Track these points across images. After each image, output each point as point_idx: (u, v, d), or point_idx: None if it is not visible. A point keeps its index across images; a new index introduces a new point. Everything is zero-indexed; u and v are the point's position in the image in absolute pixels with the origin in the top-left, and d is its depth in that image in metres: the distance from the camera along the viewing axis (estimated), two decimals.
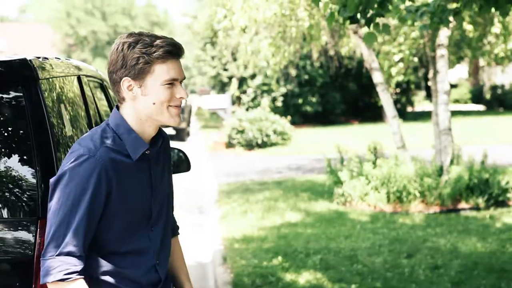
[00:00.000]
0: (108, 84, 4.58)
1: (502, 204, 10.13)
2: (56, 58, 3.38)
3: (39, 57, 3.10)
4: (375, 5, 5.18)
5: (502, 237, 8.16)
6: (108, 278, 2.60)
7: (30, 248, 2.73)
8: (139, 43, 2.49)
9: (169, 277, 2.83)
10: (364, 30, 11.40)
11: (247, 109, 26.34)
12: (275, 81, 26.25)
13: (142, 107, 2.54)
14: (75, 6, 56.27)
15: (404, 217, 9.45)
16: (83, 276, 2.48)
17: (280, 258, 7.40)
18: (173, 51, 2.51)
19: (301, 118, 28.15)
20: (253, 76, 27.74)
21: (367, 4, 5.13)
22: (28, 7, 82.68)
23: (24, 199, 2.79)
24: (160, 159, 2.72)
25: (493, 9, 5.57)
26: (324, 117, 28.91)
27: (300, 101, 27.76)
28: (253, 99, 27.67)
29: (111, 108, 4.44)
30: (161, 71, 2.49)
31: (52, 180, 2.51)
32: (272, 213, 9.92)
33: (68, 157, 2.52)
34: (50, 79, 3.07)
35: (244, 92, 28.12)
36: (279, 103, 27.18)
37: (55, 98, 3.06)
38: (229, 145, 20.53)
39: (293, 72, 26.11)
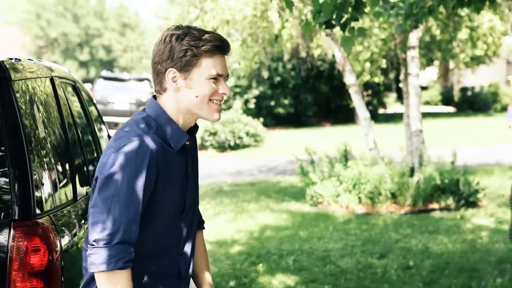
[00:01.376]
0: (81, 85, 4.55)
1: (473, 204, 10.24)
2: (28, 59, 3.36)
3: (11, 59, 3.08)
4: (350, 9, 5.20)
5: (472, 237, 8.25)
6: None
7: (4, 250, 2.72)
8: (188, 36, 2.49)
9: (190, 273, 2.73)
10: (337, 31, 11.46)
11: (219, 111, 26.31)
12: (247, 80, 26.25)
13: (184, 99, 2.53)
14: (45, 7, 55.80)
15: (376, 218, 9.52)
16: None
17: (253, 259, 7.41)
18: (221, 46, 2.52)
19: (273, 120, 28.19)
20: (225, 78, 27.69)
21: (341, 9, 5.14)
22: None
23: None
24: (194, 149, 2.70)
25: (465, 9, 5.66)
26: (296, 119, 28.98)
27: (273, 103, 27.80)
28: (225, 101, 27.65)
29: (84, 109, 4.41)
30: (208, 65, 2.50)
31: (105, 161, 2.44)
32: (245, 215, 9.93)
33: (116, 143, 2.46)
34: (23, 81, 3.05)
35: None
36: (251, 105, 27.20)
37: (28, 99, 3.04)
38: (202, 147, 20.49)
39: (265, 74, 26.13)
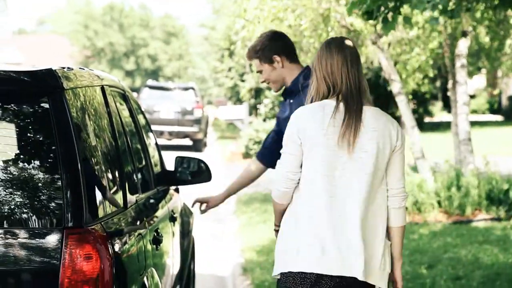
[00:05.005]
0: (129, 94, 4.58)
1: None
2: (80, 68, 3.39)
3: (64, 67, 3.11)
4: (391, 5, 5.20)
5: None
6: None
7: (56, 258, 2.73)
8: None
9: None
10: (384, 40, 11.37)
11: (264, 120, 26.34)
12: None
13: None
14: (93, 18, 56.66)
15: (424, 228, 9.39)
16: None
17: None
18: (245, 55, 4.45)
19: None
20: (270, 87, 27.74)
21: (383, 2, 5.16)
22: (46, 19, 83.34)
23: (50, 209, 2.79)
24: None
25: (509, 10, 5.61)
26: None
27: None
28: (270, 110, 27.66)
29: (133, 118, 4.44)
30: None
31: None
32: None
33: None
34: (75, 89, 3.08)
35: (261, 102, 28.12)
36: None
37: (79, 107, 3.07)
38: (246, 155, 20.51)
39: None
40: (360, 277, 3.09)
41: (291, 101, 4.18)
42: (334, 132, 3.11)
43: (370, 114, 3.22)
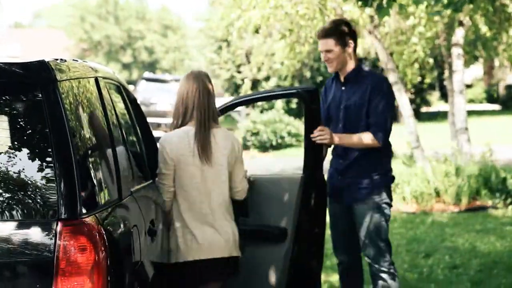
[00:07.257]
0: (124, 86, 4.56)
1: None
2: (73, 60, 3.38)
3: (57, 59, 3.10)
4: None
5: None
6: None
7: (50, 250, 2.73)
8: None
9: None
10: (380, 30, 11.35)
11: (261, 111, 26.34)
12: (289, 80, 26.23)
13: None
14: (88, 11, 56.45)
15: (421, 217, 9.40)
16: None
17: None
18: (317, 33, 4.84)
19: None
20: (267, 78, 27.71)
21: None
22: (42, 12, 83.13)
23: (45, 200, 2.79)
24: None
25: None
26: None
27: None
28: (267, 101, 27.63)
29: (128, 110, 4.42)
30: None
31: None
32: None
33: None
34: (68, 81, 3.07)
35: None
36: (293, 105, 27.16)
37: (73, 99, 3.05)
38: (244, 147, 20.51)
39: (307, 74, 26.03)
40: (219, 255, 4.16)
41: (343, 88, 4.85)
42: (198, 152, 4.18)
43: (221, 135, 4.27)
